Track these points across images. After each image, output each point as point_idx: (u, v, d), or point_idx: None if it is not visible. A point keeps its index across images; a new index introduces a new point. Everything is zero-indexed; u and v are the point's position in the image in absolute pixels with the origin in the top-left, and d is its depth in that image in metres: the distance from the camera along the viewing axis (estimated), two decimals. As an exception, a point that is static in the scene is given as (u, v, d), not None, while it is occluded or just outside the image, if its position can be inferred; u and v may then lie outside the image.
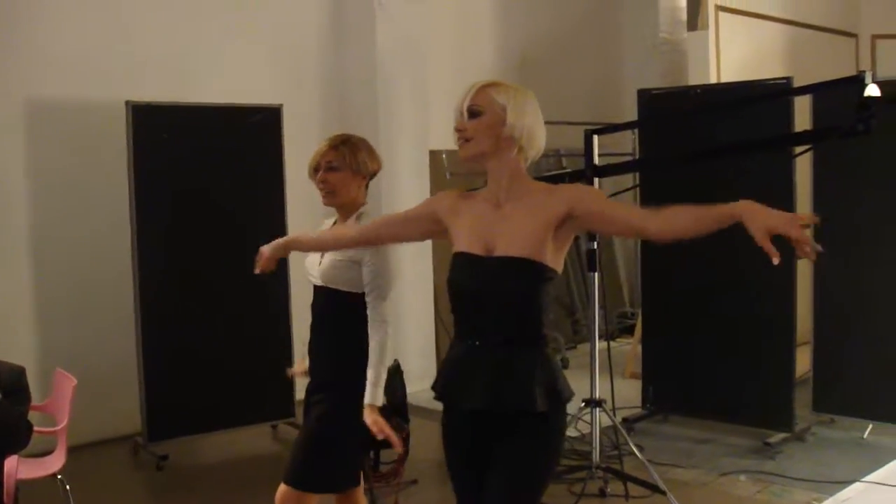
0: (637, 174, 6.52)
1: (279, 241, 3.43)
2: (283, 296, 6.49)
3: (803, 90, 5.32)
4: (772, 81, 5.96)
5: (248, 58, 7.09)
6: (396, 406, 3.82)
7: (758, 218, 2.38)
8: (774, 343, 5.96)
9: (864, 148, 5.01)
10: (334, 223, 3.70)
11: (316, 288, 3.62)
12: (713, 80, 7.53)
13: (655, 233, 2.66)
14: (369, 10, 7.26)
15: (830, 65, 7.97)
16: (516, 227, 2.76)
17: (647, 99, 6.40)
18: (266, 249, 3.41)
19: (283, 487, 3.55)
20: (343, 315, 3.55)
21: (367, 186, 3.67)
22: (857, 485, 5.15)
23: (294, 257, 3.84)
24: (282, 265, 6.23)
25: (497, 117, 2.77)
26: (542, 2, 9.01)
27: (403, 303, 6.97)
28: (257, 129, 6.40)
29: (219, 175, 6.25)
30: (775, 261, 2.31)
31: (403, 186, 7.10)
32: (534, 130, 2.82)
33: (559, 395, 2.78)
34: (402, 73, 7.43)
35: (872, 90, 3.57)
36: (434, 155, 7.51)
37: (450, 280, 2.86)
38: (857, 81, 3.67)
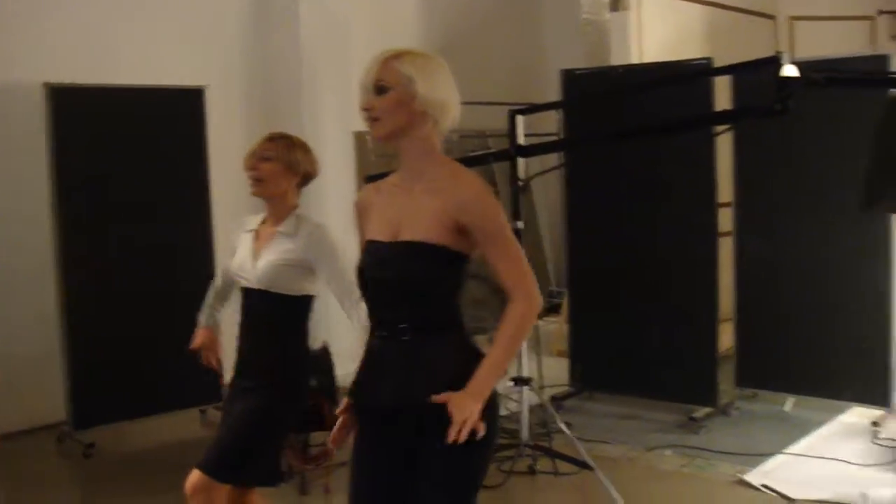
0: (561, 154, 6.55)
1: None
2: (209, 278, 6.40)
3: (723, 70, 5.42)
4: (693, 62, 6.04)
5: (170, 39, 6.96)
6: (326, 387, 3.82)
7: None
8: (698, 319, 6.07)
9: (783, 127, 5.11)
10: (262, 222, 3.64)
11: (248, 290, 3.55)
12: (635, 61, 7.60)
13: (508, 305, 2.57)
14: (293, -10, 7.21)
15: (749, 46, 8.08)
16: (421, 210, 2.58)
17: (571, 79, 6.45)
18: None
19: (195, 474, 3.45)
20: (279, 318, 3.53)
21: (299, 188, 3.61)
22: (779, 457, 5.29)
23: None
24: (207, 246, 6.23)
25: (406, 91, 2.55)
26: (465, -18, 9.01)
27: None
28: (180, 111, 6.29)
29: (140, 159, 6.12)
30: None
31: (329, 168, 6.99)
32: (447, 100, 2.60)
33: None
34: (326, 55, 7.38)
35: (790, 70, 3.64)
36: (359, 136, 7.50)
37: (357, 269, 2.73)
38: (775, 62, 3.73)
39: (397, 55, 2.59)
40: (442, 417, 2.47)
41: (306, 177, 3.60)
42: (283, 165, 3.51)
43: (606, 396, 6.56)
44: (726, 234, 6.18)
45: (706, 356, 6.02)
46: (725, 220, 6.13)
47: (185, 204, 6.26)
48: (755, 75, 4.79)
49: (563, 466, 5.14)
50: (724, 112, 5.31)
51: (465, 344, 2.64)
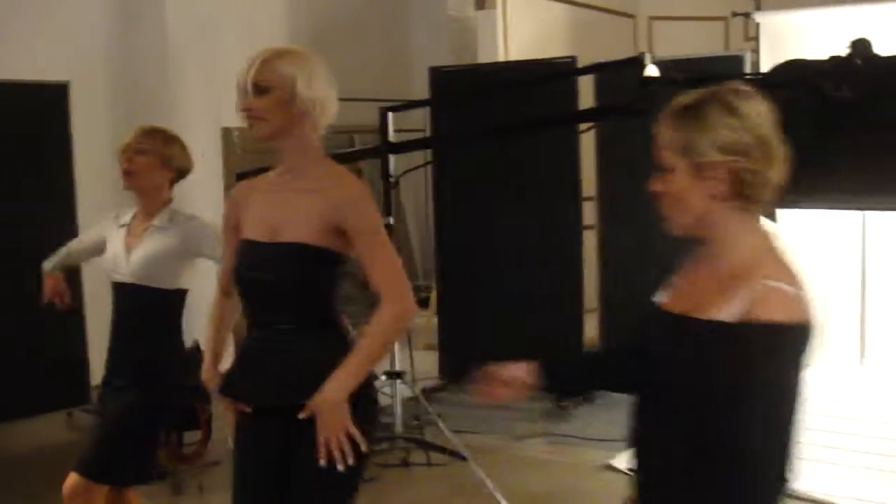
0: (429, 151, 6.69)
1: (206, 372, 3.00)
2: (73, 277, 6.31)
3: (587, 70, 5.61)
4: (557, 60, 6.24)
5: (32, 33, 6.82)
6: (196, 386, 3.82)
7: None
8: (564, 310, 6.28)
9: (645, 124, 5.31)
10: (132, 218, 3.60)
11: (120, 285, 3.53)
12: (502, 59, 7.78)
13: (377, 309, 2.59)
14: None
15: (611, 44, 8.36)
16: (300, 211, 2.61)
17: (439, 76, 6.58)
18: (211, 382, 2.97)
19: (73, 477, 3.44)
20: (152, 314, 3.51)
21: (173, 183, 3.60)
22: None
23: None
24: (69, 224, 6.11)
25: (286, 92, 2.57)
26: (332, -24, 9.06)
27: (202, 280, 6.93)
28: (43, 107, 6.17)
29: (1, 156, 5.97)
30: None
31: (196, 164, 7.02)
32: (326, 99, 2.64)
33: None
34: (193, 49, 7.34)
35: (651, 70, 3.81)
36: (226, 132, 7.48)
37: (232, 269, 2.74)
38: (638, 62, 3.90)
39: (277, 54, 2.62)
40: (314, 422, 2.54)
41: (181, 172, 3.60)
42: (158, 159, 3.50)
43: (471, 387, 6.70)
44: (589, 227, 6.41)
45: (573, 346, 6.23)
46: (589, 213, 6.37)
47: (49, 202, 6.15)
48: (618, 75, 4.99)
49: (436, 458, 5.28)
50: (589, 110, 5.51)
51: (342, 343, 2.67)
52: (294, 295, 2.64)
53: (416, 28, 9.51)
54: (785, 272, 1.89)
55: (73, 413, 6.51)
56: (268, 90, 2.58)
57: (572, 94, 5.90)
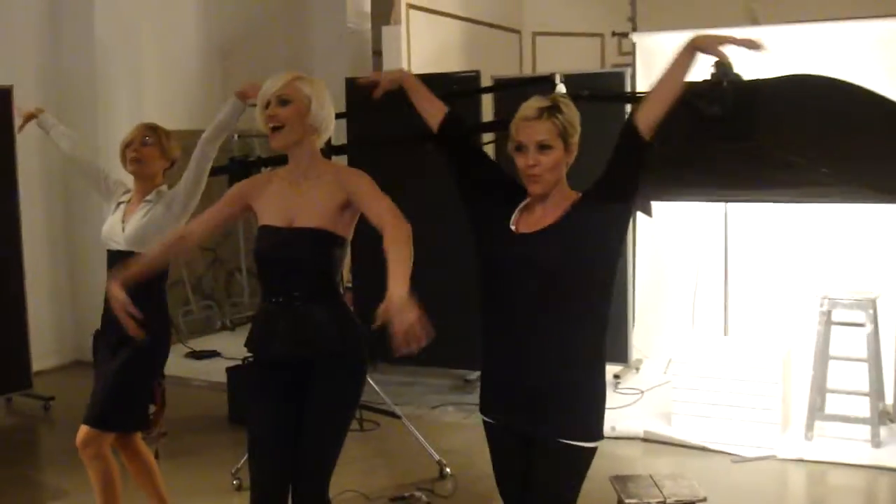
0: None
1: (126, 277, 3.51)
2: (14, 262, 6.69)
3: (503, 86, 6.20)
4: (462, 74, 6.88)
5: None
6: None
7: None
8: (467, 294, 6.89)
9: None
10: (129, 199, 4.19)
11: (116, 253, 4.10)
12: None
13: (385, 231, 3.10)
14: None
15: (500, 58, 9.05)
16: (311, 203, 3.23)
17: (354, 87, 7.15)
18: (119, 294, 3.41)
19: (83, 429, 4.02)
20: (144, 279, 4.05)
21: (165, 171, 4.23)
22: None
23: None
24: (12, 220, 6.51)
25: (304, 106, 3.21)
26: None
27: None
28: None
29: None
30: None
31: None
32: (330, 118, 3.32)
33: (352, 338, 3.31)
34: (118, 53, 7.88)
35: (561, 88, 4.52)
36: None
37: (255, 250, 3.36)
38: (550, 81, 4.59)
39: (298, 77, 3.30)
40: (325, 365, 3.27)
41: (173, 161, 4.26)
42: (159, 150, 4.15)
43: (387, 367, 7.32)
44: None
45: (476, 328, 6.92)
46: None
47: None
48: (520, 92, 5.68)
49: (368, 423, 5.99)
50: (496, 122, 6.10)
51: (345, 310, 3.38)
52: (306, 270, 3.29)
53: (317, 39, 9.99)
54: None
55: (12, 398, 6.91)
56: (289, 102, 3.22)
57: (477, 106, 6.52)
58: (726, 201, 6.20)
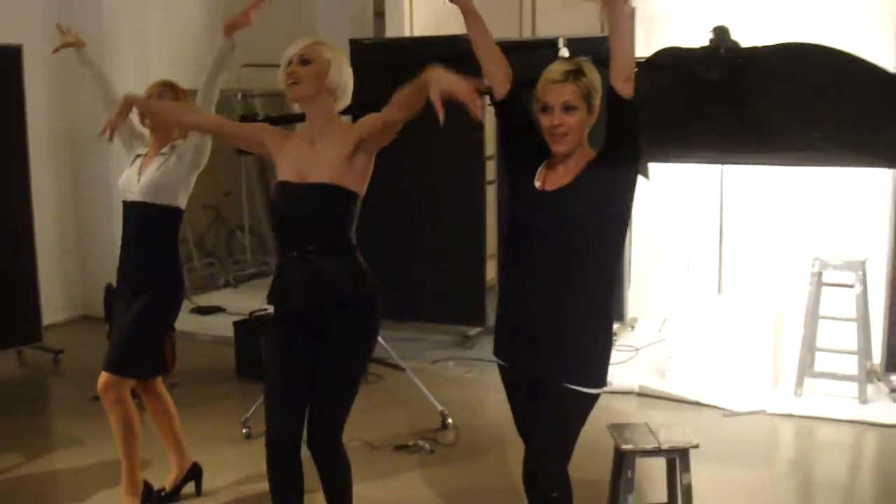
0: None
1: (138, 102, 3.94)
2: (25, 219, 6.83)
3: (507, 49, 6.28)
4: (464, 37, 6.93)
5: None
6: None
7: (440, 82, 2.94)
8: (468, 254, 7.16)
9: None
10: (146, 152, 4.33)
11: (131, 205, 4.26)
12: (407, 34, 8.45)
13: (388, 120, 3.27)
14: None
15: (500, 21, 9.05)
16: (324, 159, 3.36)
17: (359, 48, 7.30)
18: (125, 104, 3.85)
19: (103, 375, 4.18)
20: (158, 227, 4.25)
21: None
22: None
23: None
24: (22, 178, 6.63)
25: (323, 68, 3.38)
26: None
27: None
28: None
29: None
30: (441, 120, 2.85)
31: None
32: (348, 85, 3.47)
33: (366, 288, 3.45)
34: (125, 15, 7.98)
35: (564, 52, 4.64)
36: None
37: (273, 205, 3.52)
38: (553, 45, 4.71)
39: (321, 42, 3.46)
40: (339, 315, 3.41)
41: None
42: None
43: (390, 323, 7.49)
44: (492, 182, 7.33)
45: (476, 285, 7.16)
46: (491, 171, 7.32)
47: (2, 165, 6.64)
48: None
49: (372, 376, 6.19)
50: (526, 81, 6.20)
51: (358, 263, 3.51)
52: (318, 225, 3.44)
53: (319, 0, 10.05)
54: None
55: (22, 351, 7.08)
56: (309, 62, 3.39)
57: (478, 72, 6.63)
58: (723, 164, 6.34)
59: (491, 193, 7.32)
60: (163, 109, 4.09)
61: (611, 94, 2.98)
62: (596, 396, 3.16)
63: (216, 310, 8.39)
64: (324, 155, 3.42)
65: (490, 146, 7.22)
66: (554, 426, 3.16)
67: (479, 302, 7.19)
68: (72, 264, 8.24)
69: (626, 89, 2.96)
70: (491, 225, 7.27)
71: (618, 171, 3.06)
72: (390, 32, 8.54)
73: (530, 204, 3.15)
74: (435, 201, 7.22)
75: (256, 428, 5.13)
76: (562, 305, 3.11)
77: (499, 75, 3.27)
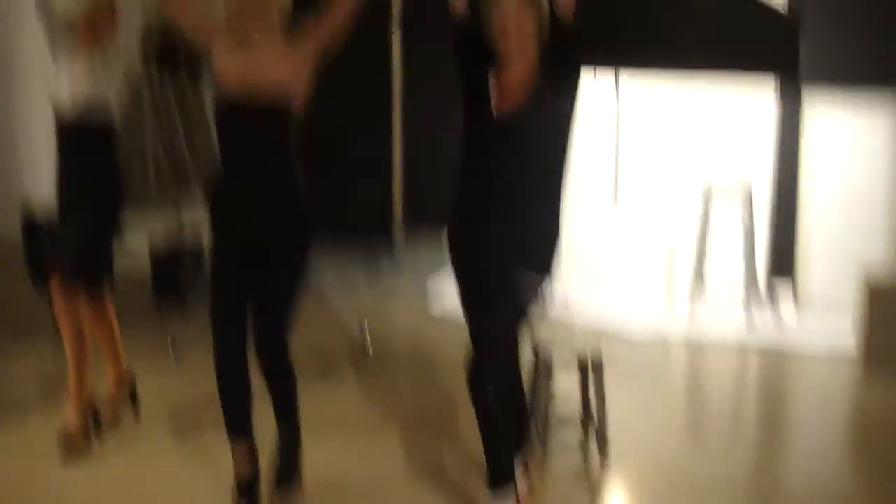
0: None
1: None
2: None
3: None
4: None
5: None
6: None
7: None
8: (378, 167, 7.27)
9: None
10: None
11: (62, 118, 4.09)
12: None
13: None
14: None
15: None
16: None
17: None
18: None
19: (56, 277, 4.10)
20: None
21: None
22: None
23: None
24: None
25: None
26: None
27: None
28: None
29: None
30: None
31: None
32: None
33: (299, 203, 3.44)
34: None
35: None
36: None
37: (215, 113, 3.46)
38: None
39: None
40: (284, 228, 3.42)
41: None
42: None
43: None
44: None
45: (384, 197, 7.34)
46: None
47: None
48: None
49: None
50: None
51: (295, 174, 3.49)
52: (263, 132, 3.43)
53: None
54: None
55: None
56: None
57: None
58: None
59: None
60: None
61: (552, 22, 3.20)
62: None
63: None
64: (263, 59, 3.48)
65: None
66: None
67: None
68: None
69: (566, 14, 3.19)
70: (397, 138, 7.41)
71: (561, 83, 3.31)
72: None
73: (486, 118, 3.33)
74: (343, 117, 7.20)
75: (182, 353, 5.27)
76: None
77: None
